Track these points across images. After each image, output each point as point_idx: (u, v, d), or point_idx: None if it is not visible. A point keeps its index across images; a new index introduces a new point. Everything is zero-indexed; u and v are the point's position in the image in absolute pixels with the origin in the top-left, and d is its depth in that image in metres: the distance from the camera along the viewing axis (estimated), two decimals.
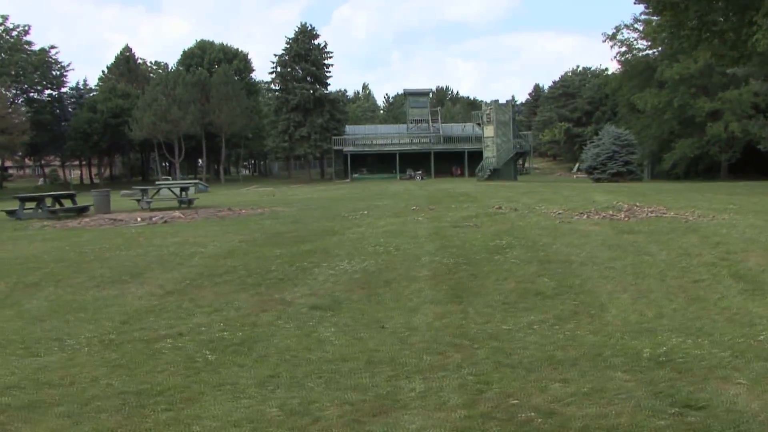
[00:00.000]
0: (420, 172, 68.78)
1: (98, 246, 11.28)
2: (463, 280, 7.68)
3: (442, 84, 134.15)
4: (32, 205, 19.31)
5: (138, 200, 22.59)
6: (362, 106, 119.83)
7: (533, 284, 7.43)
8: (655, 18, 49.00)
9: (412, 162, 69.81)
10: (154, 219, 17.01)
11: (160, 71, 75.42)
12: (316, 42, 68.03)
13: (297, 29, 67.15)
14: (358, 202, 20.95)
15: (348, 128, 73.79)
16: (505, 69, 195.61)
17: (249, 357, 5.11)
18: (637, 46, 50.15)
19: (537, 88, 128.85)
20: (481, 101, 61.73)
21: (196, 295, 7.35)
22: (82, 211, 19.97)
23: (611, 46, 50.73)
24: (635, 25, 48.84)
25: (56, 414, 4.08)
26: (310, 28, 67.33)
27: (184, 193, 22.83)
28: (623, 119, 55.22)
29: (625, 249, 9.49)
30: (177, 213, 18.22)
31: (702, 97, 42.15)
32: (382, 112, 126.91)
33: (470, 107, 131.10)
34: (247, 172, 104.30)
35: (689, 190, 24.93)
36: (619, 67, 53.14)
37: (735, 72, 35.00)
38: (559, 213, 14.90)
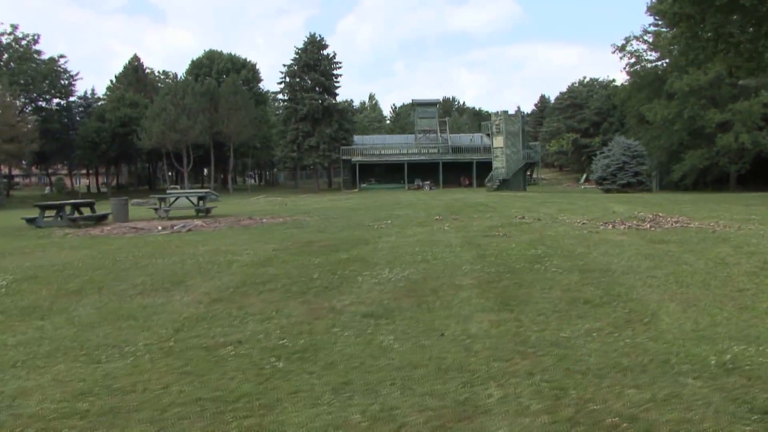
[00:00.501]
0: (428, 182, 68.95)
1: (131, 254, 11.31)
2: (509, 289, 7.68)
3: (447, 94, 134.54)
4: (52, 213, 19.38)
5: (155, 209, 22.64)
6: (369, 116, 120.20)
7: (579, 293, 7.42)
8: (664, 29, 49.26)
9: (421, 172, 70.01)
10: (176, 228, 17.04)
11: (168, 81, 75.76)
12: (324, 52, 68.37)
13: (306, 39, 67.57)
14: (377, 211, 20.99)
15: (356, 138, 74.03)
16: (509, 79, 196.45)
17: (316, 364, 5.11)
18: (646, 58, 50.33)
19: (543, 99, 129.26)
20: (487, 111, 61.98)
21: (243, 303, 7.36)
22: (101, 219, 20.04)
23: (620, 57, 51.03)
24: (644, 37, 49.07)
25: (138, 420, 4.08)
26: (319, 38, 67.69)
27: (201, 201, 22.88)
28: (632, 130, 55.32)
29: (662, 258, 9.49)
30: (199, 222, 18.26)
31: (712, 109, 42.24)
32: (388, 122, 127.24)
33: (476, 118, 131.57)
34: (254, 181, 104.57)
35: (705, 201, 24.93)
36: (628, 78, 53.35)
37: (747, 83, 35.09)
38: (583, 223, 14.92)
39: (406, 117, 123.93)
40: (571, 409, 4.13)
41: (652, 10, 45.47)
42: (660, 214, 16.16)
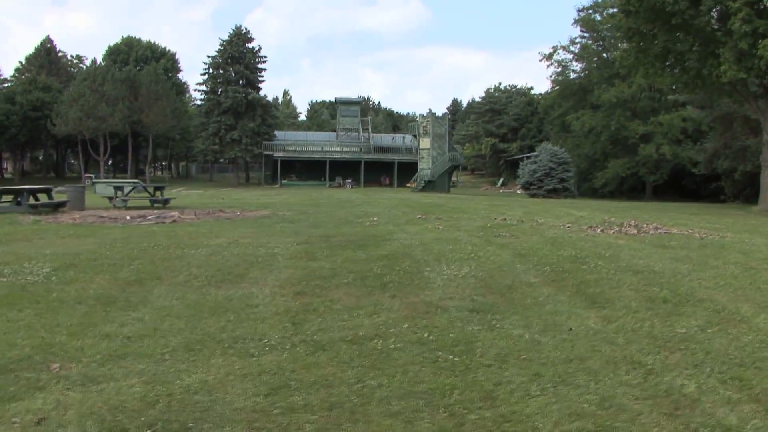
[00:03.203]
0: (350, 180, 69.05)
1: (147, 244, 10.88)
2: (582, 288, 7.92)
3: (354, 93, 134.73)
4: (9, 198, 18.27)
5: (110, 198, 21.72)
6: (283, 112, 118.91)
7: (649, 292, 7.76)
8: (589, 42, 51.49)
9: (342, 170, 70.07)
10: (149, 218, 16.45)
11: (82, 66, 72.28)
12: (250, 45, 67.22)
13: (231, 31, 66.25)
14: (342, 209, 20.95)
15: (278, 134, 73.29)
16: (415, 81, 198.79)
17: (485, 357, 5.15)
18: (572, 68, 52.39)
19: (455, 103, 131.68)
20: (398, 113, 62.75)
21: (330, 297, 7.26)
22: (58, 206, 19.08)
23: (547, 66, 52.84)
24: (571, 48, 51.04)
25: (380, 414, 4.03)
26: (244, 30, 66.46)
27: (159, 192, 22.12)
28: (553, 138, 57.40)
29: (690, 261, 10.02)
30: (175, 213, 17.67)
31: (635, 120, 44.46)
32: (303, 118, 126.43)
33: (390, 118, 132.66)
34: (161, 173, 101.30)
35: (649, 209, 26.32)
36: (552, 86, 55.34)
37: (677, 98, 37.23)
38: (568, 226, 15.45)
39: (321, 114, 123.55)
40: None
41: (579, 22, 47.41)
42: (634, 221, 16.95)
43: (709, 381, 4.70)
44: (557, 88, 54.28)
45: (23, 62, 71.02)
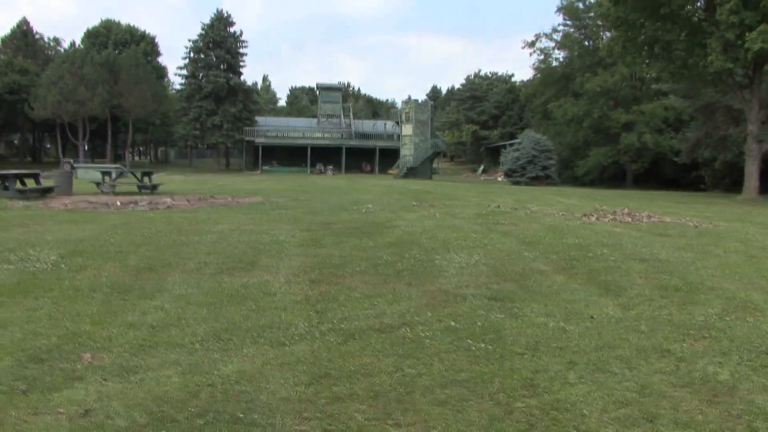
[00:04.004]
0: (331, 167, 68.88)
1: (148, 231, 10.77)
2: (593, 275, 7.99)
3: (333, 79, 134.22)
4: None
5: (97, 183, 21.46)
6: (263, 98, 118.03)
7: (660, 281, 7.84)
8: (572, 30, 51.69)
9: (323, 156, 69.80)
10: (141, 203, 16.29)
11: (60, 49, 71.06)
12: (231, 30, 66.54)
13: (213, 15, 65.46)
14: (334, 195, 20.88)
15: (259, 119, 72.75)
16: (393, 68, 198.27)
17: (516, 345, 5.18)
18: (555, 56, 52.56)
19: (435, 90, 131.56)
20: (378, 99, 62.67)
21: (346, 285, 7.25)
22: (46, 191, 18.83)
23: (530, 53, 53.08)
24: (553, 35, 51.20)
25: (427, 402, 4.04)
26: (226, 15, 65.76)
27: (147, 178, 21.90)
28: (535, 125, 57.63)
29: (693, 250, 10.15)
30: (168, 199, 17.50)
31: (618, 109, 44.78)
32: (283, 104, 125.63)
33: (370, 104, 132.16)
34: (139, 158, 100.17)
35: (637, 198, 26.58)
36: (535, 73, 55.51)
37: (660, 87, 37.54)
38: (562, 214, 15.56)
39: (301, 101, 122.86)
40: None
41: (563, 10, 47.55)
42: (627, 210, 17.11)
43: (741, 368, 4.77)
44: (539, 75, 54.48)
45: None
